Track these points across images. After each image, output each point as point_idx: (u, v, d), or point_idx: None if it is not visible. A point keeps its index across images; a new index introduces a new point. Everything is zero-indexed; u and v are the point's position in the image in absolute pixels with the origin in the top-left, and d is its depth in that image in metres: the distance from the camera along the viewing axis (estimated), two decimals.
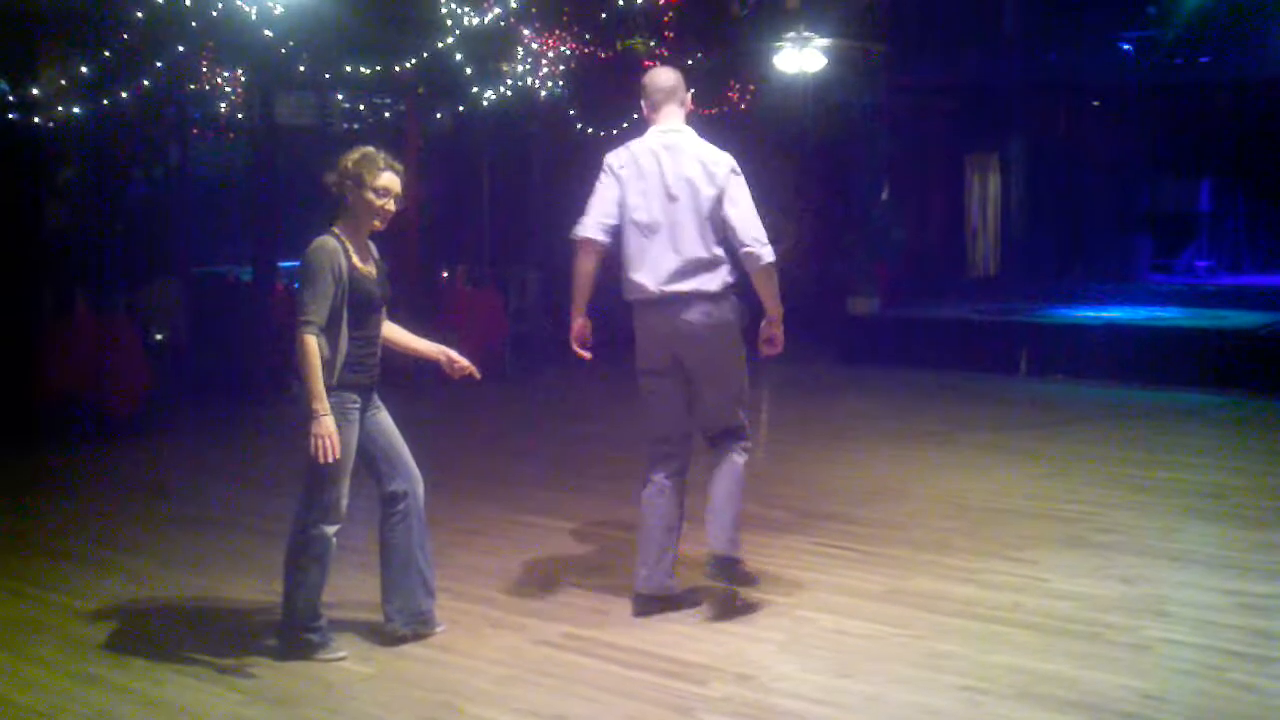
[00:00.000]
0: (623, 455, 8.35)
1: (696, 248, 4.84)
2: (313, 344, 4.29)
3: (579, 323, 5.09)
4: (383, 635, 4.68)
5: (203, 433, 9.30)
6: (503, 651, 4.59)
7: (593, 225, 4.91)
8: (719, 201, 4.83)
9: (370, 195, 4.46)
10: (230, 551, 6.03)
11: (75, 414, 9.04)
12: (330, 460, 4.29)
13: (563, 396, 11.12)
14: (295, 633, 4.52)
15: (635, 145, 4.99)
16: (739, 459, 5.03)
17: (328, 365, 4.35)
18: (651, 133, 5.00)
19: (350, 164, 4.46)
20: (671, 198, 4.86)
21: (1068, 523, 6.32)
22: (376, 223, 4.54)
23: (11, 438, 8.58)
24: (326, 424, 4.29)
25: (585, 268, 4.97)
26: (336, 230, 4.47)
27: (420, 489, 4.67)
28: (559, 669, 4.41)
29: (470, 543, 6.07)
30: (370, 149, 4.52)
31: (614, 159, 4.98)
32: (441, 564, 5.35)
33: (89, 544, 6.25)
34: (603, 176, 4.97)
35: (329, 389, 4.36)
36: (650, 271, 4.89)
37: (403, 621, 4.66)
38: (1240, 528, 6.18)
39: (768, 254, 4.83)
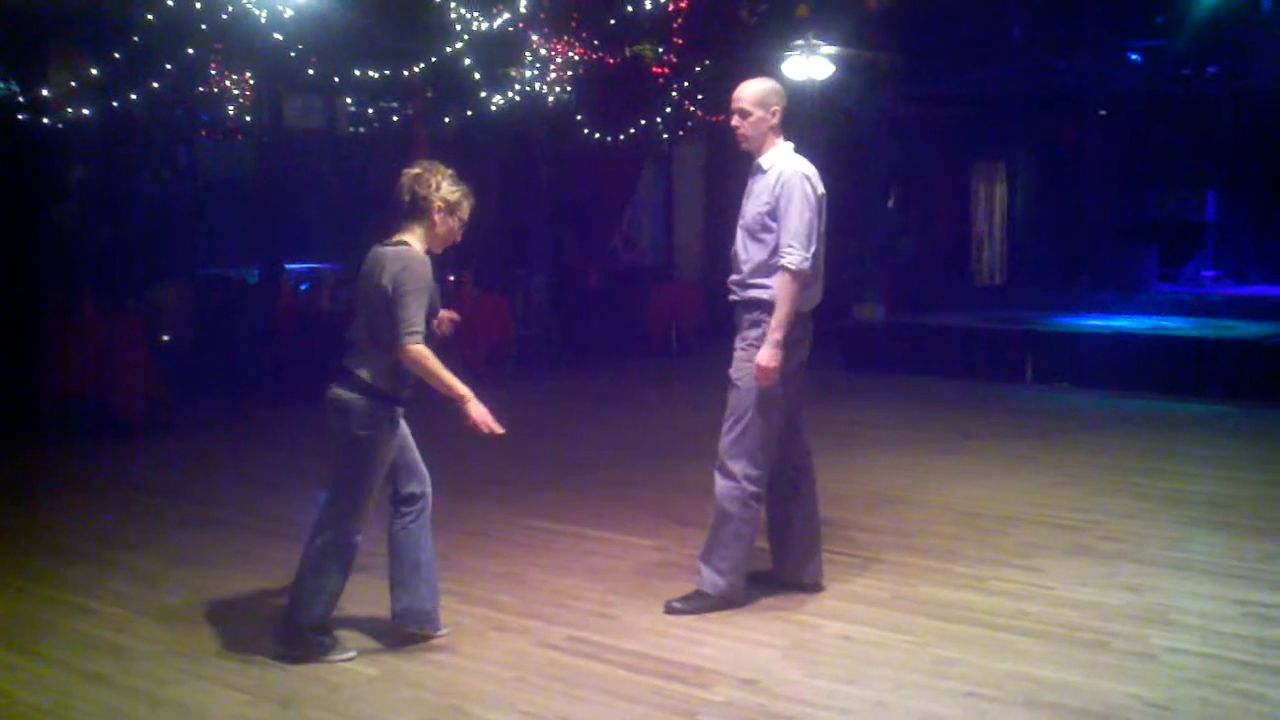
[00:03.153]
0: (628, 460, 8.36)
1: None
2: (427, 350, 4.36)
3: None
4: (388, 636, 4.68)
5: (207, 433, 9.31)
6: (507, 654, 4.59)
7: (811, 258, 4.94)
8: None
9: (455, 224, 4.55)
10: (235, 551, 6.04)
11: (81, 413, 9.07)
12: (496, 430, 4.39)
13: (568, 401, 11.12)
14: (305, 635, 4.52)
15: (807, 168, 4.99)
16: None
17: (405, 375, 4.42)
18: (793, 152, 5.05)
19: (449, 190, 4.49)
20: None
21: (1073, 531, 6.32)
22: (439, 248, 4.58)
23: (18, 436, 8.61)
24: (478, 405, 4.40)
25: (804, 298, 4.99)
26: (411, 243, 4.48)
27: (430, 491, 4.70)
28: (563, 672, 4.41)
29: (474, 545, 6.07)
30: (447, 170, 4.55)
31: (817, 186, 4.98)
32: (446, 567, 5.36)
33: (94, 542, 6.26)
34: (811, 208, 4.91)
35: (396, 399, 4.43)
36: (821, 284, 5.07)
37: (409, 621, 4.66)
38: (1246, 538, 6.17)
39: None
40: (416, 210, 4.49)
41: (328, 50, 10.80)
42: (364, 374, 4.40)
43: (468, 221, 4.61)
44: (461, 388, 4.41)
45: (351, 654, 4.54)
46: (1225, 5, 13.62)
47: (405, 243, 4.46)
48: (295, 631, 4.54)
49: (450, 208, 4.51)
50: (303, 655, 4.50)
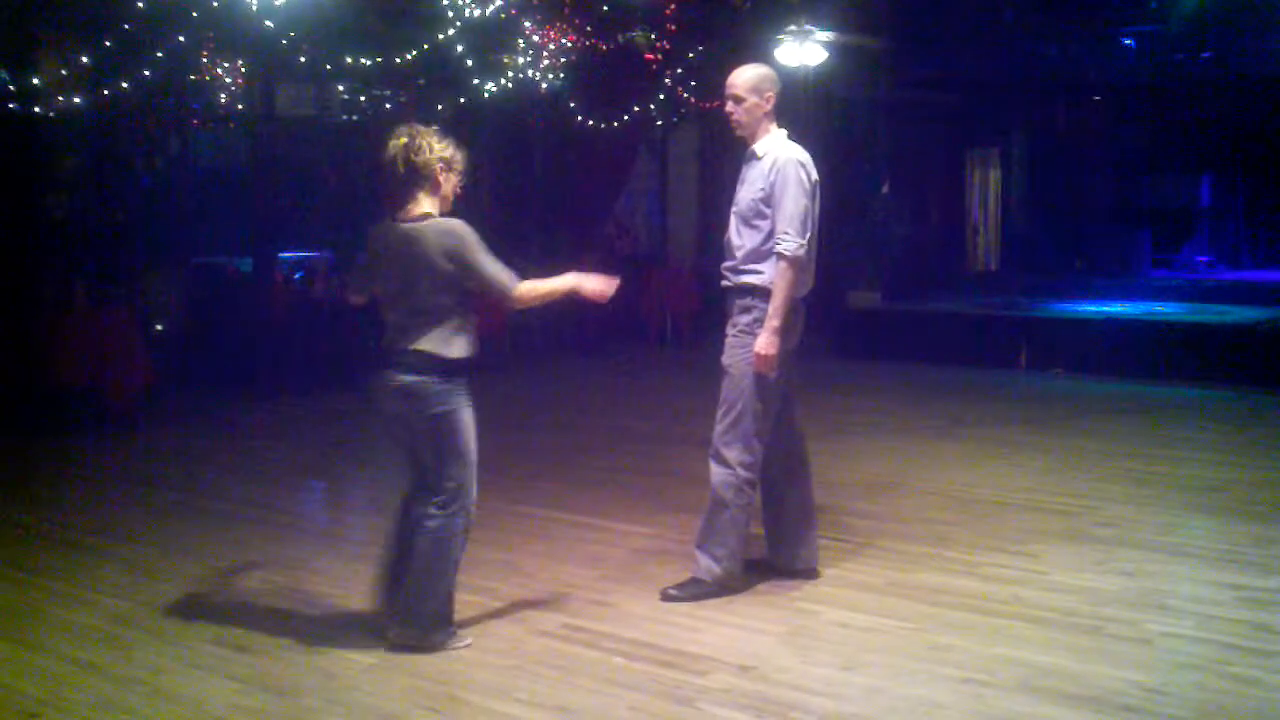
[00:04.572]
0: (623, 447, 8.36)
1: None
2: (525, 283, 4.47)
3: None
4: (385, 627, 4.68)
5: (201, 424, 9.29)
6: (504, 643, 4.59)
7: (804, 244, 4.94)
8: None
9: (456, 180, 4.52)
10: (229, 541, 6.02)
11: (74, 404, 9.03)
12: (606, 291, 4.53)
13: (562, 388, 11.11)
14: (441, 625, 4.48)
15: (801, 155, 4.98)
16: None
17: (469, 340, 4.44)
18: (787, 138, 5.04)
19: (441, 147, 4.43)
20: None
21: (1068, 516, 6.33)
22: (448, 208, 4.54)
23: (11, 428, 8.58)
24: (585, 280, 4.53)
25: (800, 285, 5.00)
26: (431, 212, 4.41)
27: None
28: (560, 660, 4.41)
29: (470, 534, 6.05)
30: (429, 129, 4.50)
31: (811, 172, 4.97)
32: None
33: (88, 533, 6.24)
34: (806, 194, 4.91)
35: (462, 370, 4.43)
36: (813, 270, 5.05)
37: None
38: (1240, 522, 6.19)
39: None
40: (419, 177, 4.38)
41: (319, 38, 10.76)
42: (428, 349, 4.34)
43: (464, 174, 4.57)
44: (568, 279, 4.54)
45: (468, 641, 4.53)
46: None
47: (428, 214, 4.38)
48: (428, 623, 4.45)
49: (448, 163, 4.46)
50: (434, 646, 4.43)
